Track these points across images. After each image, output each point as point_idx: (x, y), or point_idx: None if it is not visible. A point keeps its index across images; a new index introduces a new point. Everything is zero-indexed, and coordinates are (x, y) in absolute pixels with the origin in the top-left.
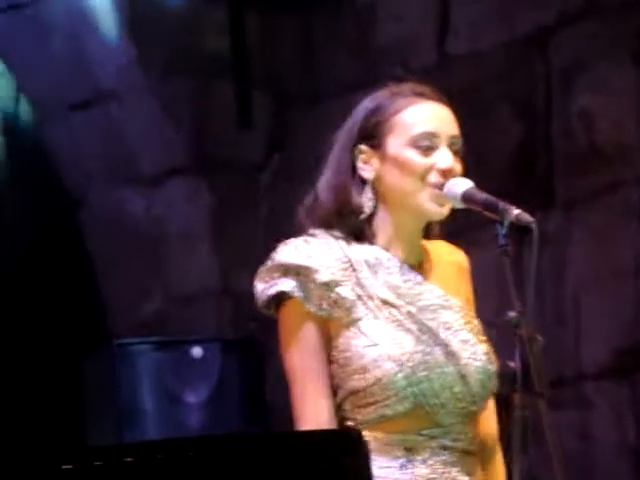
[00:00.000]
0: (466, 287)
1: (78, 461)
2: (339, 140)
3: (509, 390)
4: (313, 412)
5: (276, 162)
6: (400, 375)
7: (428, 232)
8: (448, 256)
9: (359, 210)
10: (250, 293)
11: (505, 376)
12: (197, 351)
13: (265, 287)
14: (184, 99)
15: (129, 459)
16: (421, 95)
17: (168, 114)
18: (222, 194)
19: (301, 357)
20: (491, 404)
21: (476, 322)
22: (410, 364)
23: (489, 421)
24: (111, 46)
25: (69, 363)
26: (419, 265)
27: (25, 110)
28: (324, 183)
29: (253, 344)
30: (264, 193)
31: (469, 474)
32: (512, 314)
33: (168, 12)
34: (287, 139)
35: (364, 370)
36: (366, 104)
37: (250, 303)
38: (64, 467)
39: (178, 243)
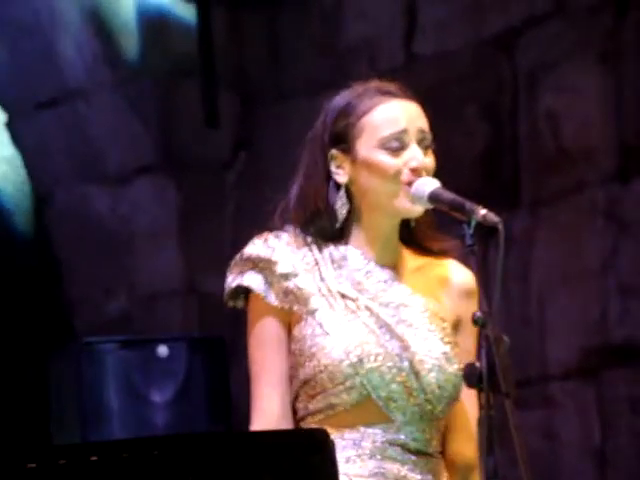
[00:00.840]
0: (460, 305)
1: (42, 460)
2: (310, 144)
3: (475, 390)
4: (266, 404)
5: (242, 161)
6: (345, 363)
7: (412, 232)
8: (447, 270)
9: (333, 214)
10: (216, 291)
11: (471, 376)
12: (163, 350)
13: (230, 280)
14: (151, 98)
15: (94, 458)
16: (387, 93)
17: (135, 113)
18: (188, 193)
19: (260, 350)
20: (470, 427)
21: (445, 325)
22: (358, 352)
23: (462, 444)
24: (78, 44)
25: (34, 361)
26: (392, 266)
27: None
28: (298, 187)
29: (219, 343)
30: (230, 192)
31: (422, 473)
32: (478, 314)
33: (136, 9)
34: (253, 138)
35: (313, 357)
36: (333, 106)
37: (216, 301)
38: (28, 466)
39: (144, 242)
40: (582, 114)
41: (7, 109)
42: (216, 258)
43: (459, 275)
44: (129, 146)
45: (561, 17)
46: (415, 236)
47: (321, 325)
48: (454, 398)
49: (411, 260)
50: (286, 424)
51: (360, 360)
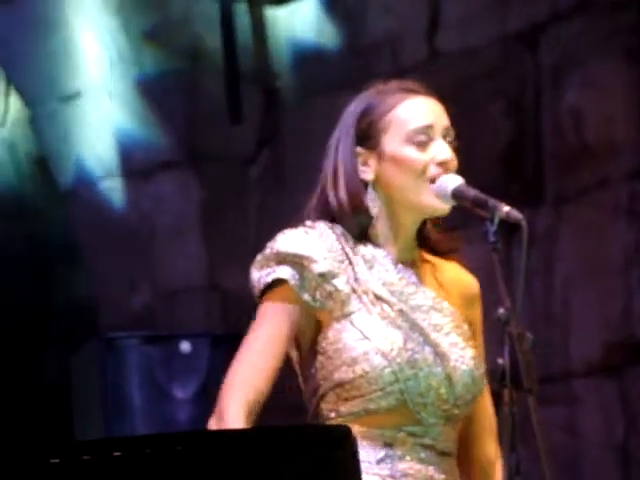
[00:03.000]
0: (467, 310)
1: (66, 455)
2: (337, 144)
3: (498, 386)
4: (239, 380)
5: (265, 156)
6: (387, 370)
7: (423, 231)
8: (452, 274)
9: (365, 212)
10: (238, 288)
11: (494, 372)
12: (185, 346)
13: (262, 275)
14: (174, 93)
15: (117, 453)
16: (410, 90)
17: (158, 108)
18: (211, 189)
19: (264, 333)
20: (492, 424)
21: (465, 327)
22: (399, 360)
23: (487, 442)
24: (102, 40)
25: (58, 357)
26: (413, 264)
27: (16, 104)
28: (339, 187)
29: (241, 339)
30: (253, 188)
31: (445, 473)
32: (501, 311)
33: (159, 7)
34: (277, 134)
35: (353, 362)
36: (356, 105)
37: (238, 297)
38: (52, 461)
39: (167, 237)
40: (606, 110)
41: (30, 104)
42: (239, 254)
43: (467, 280)
44: (152, 141)
45: (585, 13)
46: (427, 238)
47: (360, 330)
48: (477, 400)
49: (424, 261)
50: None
51: (401, 368)
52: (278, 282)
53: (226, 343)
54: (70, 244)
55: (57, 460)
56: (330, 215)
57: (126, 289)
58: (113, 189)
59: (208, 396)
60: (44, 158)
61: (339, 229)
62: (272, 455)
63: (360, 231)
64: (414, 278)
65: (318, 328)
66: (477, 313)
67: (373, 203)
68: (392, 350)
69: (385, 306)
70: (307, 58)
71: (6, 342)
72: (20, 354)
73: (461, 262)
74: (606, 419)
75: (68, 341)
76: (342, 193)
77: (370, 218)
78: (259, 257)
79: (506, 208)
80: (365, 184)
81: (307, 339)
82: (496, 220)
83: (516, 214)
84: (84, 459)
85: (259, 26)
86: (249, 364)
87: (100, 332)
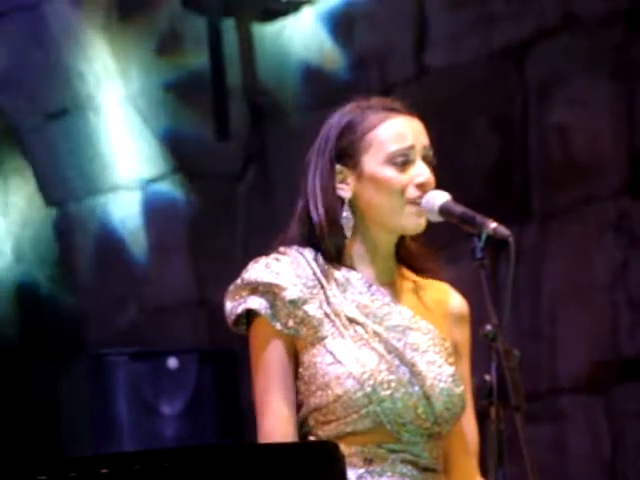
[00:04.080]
0: (453, 330)
1: (53, 472)
2: (316, 159)
3: (485, 403)
4: (272, 424)
5: (253, 173)
6: (360, 393)
7: (401, 248)
8: (439, 294)
9: (339, 230)
10: None
11: (481, 389)
12: (173, 362)
13: (234, 305)
14: (161, 109)
15: (104, 470)
16: (391, 109)
17: (146, 124)
18: (199, 205)
19: (266, 375)
20: (472, 440)
21: (447, 345)
22: (371, 382)
23: (464, 460)
24: (89, 56)
25: (45, 374)
26: (391, 284)
27: None
28: (317, 203)
29: (229, 355)
30: (241, 204)
31: None
32: (488, 327)
33: (147, 22)
34: (264, 150)
35: (326, 387)
36: (337, 121)
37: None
38: (39, 478)
39: (155, 253)
40: (593, 127)
41: (17, 120)
42: (227, 270)
43: (454, 300)
44: (140, 158)
45: (572, 30)
46: (407, 255)
47: (332, 354)
48: (459, 417)
49: (406, 280)
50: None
51: (374, 390)
52: (251, 313)
53: (214, 359)
54: (58, 260)
55: (44, 477)
56: (309, 234)
57: (114, 305)
58: (100, 205)
59: (196, 412)
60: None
61: (312, 253)
62: (261, 472)
63: (334, 251)
64: (388, 298)
65: (296, 354)
66: (465, 333)
67: (347, 222)
68: (364, 373)
69: (359, 328)
70: (294, 75)
71: None
72: (7, 370)
73: (447, 279)
74: (593, 436)
75: (56, 358)
76: (320, 209)
77: (344, 237)
78: (231, 287)
79: (493, 224)
80: (342, 201)
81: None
82: (483, 236)
83: (503, 231)
84: (71, 476)
85: (246, 42)
86: (272, 412)
87: (88, 348)
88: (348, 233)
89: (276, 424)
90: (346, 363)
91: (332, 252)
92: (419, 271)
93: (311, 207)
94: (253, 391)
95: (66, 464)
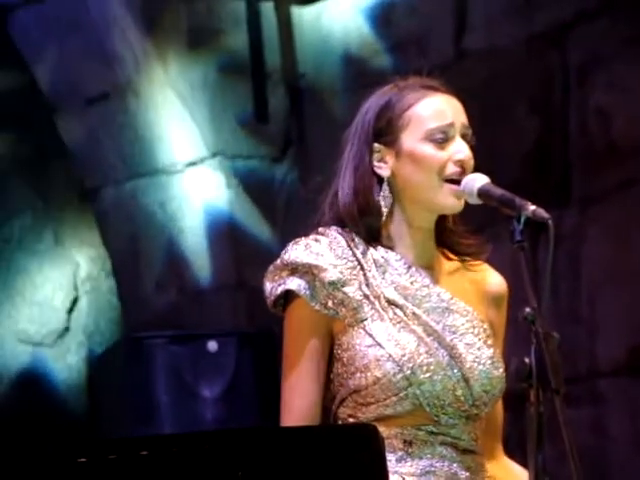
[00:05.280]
0: (491, 309)
1: (93, 454)
2: (353, 140)
3: (524, 386)
4: (301, 406)
5: (291, 156)
6: (399, 376)
7: (443, 230)
8: (478, 274)
9: (376, 209)
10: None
11: (520, 372)
12: (212, 345)
13: (273, 286)
14: (201, 92)
15: (144, 452)
16: (429, 87)
17: (185, 107)
18: (238, 188)
19: (299, 355)
20: (496, 424)
21: (485, 326)
22: (411, 365)
23: (488, 442)
24: (128, 40)
25: (86, 356)
26: (429, 266)
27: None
28: (345, 184)
29: (268, 337)
30: (280, 187)
31: (469, 470)
32: (528, 310)
33: (185, 6)
34: (303, 133)
35: (365, 369)
36: (375, 101)
37: (265, 296)
38: (79, 460)
39: (194, 236)
40: (633, 110)
41: (57, 105)
42: (265, 253)
43: (493, 280)
44: (179, 141)
45: (612, 12)
46: (448, 236)
47: (372, 336)
48: (498, 399)
49: (445, 262)
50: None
51: (413, 372)
52: (290, 293)
53: (253, 342)
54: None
55: (84, 459)
56: (346, 214)
57: (153, 288)
58: (139, 189)
59: (235, 395)
60: (71, 157)
61: (350, 234)
62: (300, 454)
63: (369, 232)
64: (428, 280)
65: (334, 335)
66: (502, 313)
67: (385, 201)
68: (404, 355)
69: (398, 310)
70: (333, 58)
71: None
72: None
73: (487, 259)
74: (633, 419)
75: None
76: (355, 188)
77: (380, 217)
78: (271, 267)
79: (532, 207)
80: (381, 181)
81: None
82: (522, 219)
83: (542, 213)
84: (111, 458)
85: (285, 26)
86: (299, 392)
87: (127, 331)
88: (385, 212)
89: (303, 407)
90: (385, 345)
91: (368, 232)
92: (459, 251)
93: (346, 187)
94: (283, 368)
95: (106, 446)
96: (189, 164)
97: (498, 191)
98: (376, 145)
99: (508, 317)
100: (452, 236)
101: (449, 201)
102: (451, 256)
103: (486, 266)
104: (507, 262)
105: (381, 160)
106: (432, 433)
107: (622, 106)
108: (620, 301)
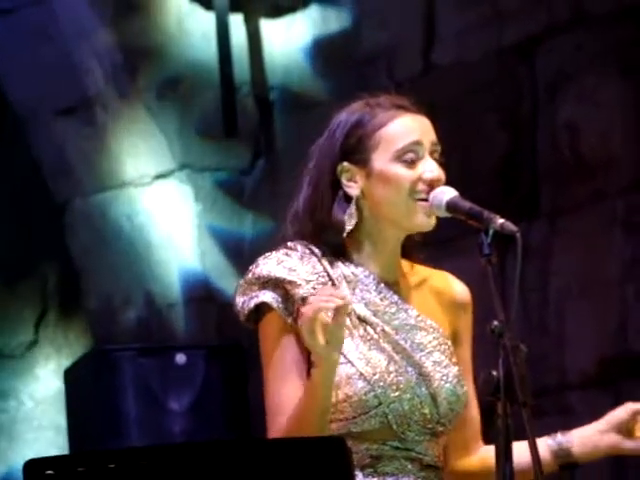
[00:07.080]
0: (455, 317)
1: (61, 467)
2: (318, 155)
3: (492, 399)
4: (281, 410)
5: (260, 169)
6: (370, 395)
7: (408, 246)
8: (441, 283)
9: (339, 227)
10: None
11: (488, 385)
12: (181, 358)
13: (245, 300)
14: (169, 105)
15: (112, 465)
16: (399, 107)
17: (153, 120)
18: (206, 201)
19: (280, 365)
20: (476, 429)
21: (449, 343)
22: (381, 384)
23: (473, 451)
24: (98, 53)
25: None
26: (395, 283)
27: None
28: (304, 199)
29: (237, 350)
30: (249, 200)
31: None
32: (495, 323)
33: (154, 19)
34: (272, 146)
35: (336, 387)
36: (345, 118)
37: (233, 309)
38: (47, 472)
39: (162, 249)
40: (601, 124)
41: (26, 116)
42: (234, 265)
43: (457, 288)
44: (147, 154)
45: (581, 26)
46: (411, 245)
47: (343, 354)
48: (460, 416)
49: (410, 275)
50: None
51: (384, 391)
52: (263, 307)
53: (221, 354)
54: (65, 256)
55: (52, 472)
56: (312, 228)
57: (121, 301)
58: (107, 201)
59: (203, 408)
60: (40, 170)
61: (316, 248)
62: (268, 467)
63: (330, 248)
64: (396, 297)
65: (307, 350)
66: (467, 320)
67: (350, 220)
68: (375, 374)
69: (368, 328)
70: (302, 71)
71: None
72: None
73: (450, 269)
74: None
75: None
76: (307, 207)
77: (340, 234)
78: (241, 282)
79: (500, 220)
80: (348, 198)
81: None
82: (491, 232)
83: (511, 226)
84: (79, 471)
85: (255, 38)
86: (292, 402)
87: (95, 344)
88: (347, 230)
89: (292, 406)
90: (356, 364)
91: (329, 248)
92: (421, 260)
93: (306, 202)
94: (265, 382)
95: (73, 460)
96: (157, 177)
97: (466, 204)
98: (345, 164)
99: (474, 324)
100: (413, 245)
101: (421, 220)
102: (411, 267)
103: (448, 275)
104: (476, 275)
105: (351, 180)
106: (397, 449)
107: (591, 120)
108: (589, 313)
